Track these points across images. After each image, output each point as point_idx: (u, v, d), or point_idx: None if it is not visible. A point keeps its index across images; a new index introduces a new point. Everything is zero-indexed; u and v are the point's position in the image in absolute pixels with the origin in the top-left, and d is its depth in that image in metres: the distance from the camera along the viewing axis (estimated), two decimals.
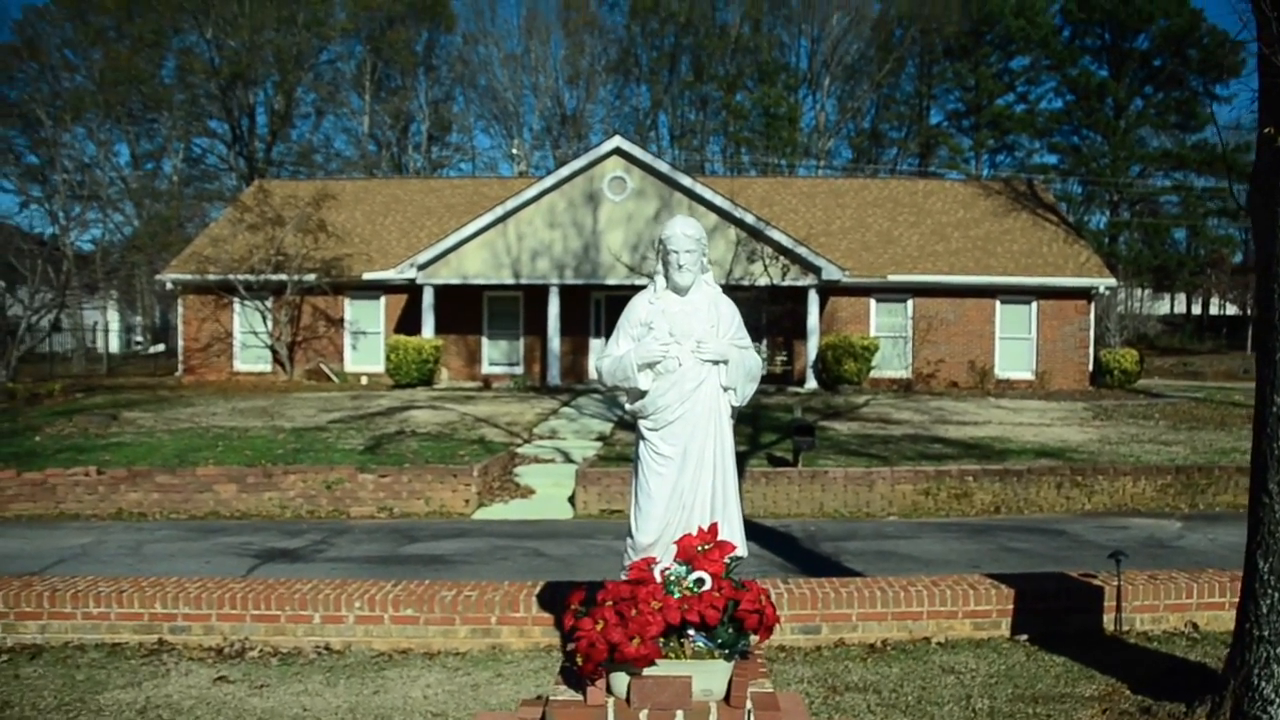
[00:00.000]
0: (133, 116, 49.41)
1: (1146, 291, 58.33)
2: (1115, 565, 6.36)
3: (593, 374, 26.65)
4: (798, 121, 57.73)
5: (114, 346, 50.65)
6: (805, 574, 9.58)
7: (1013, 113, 57.05)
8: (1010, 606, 6.24)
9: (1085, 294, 26.55)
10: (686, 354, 4.33)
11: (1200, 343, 53.43)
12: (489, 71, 59.35)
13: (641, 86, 61.00)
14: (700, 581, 3.73)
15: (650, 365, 4.34)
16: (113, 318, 52.43)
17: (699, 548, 3.87)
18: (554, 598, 6.08)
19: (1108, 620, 6.33)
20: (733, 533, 4.22)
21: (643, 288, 4.64)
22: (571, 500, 13.47)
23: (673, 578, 3.80)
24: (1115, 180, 52.13)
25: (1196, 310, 62.14)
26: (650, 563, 3.99)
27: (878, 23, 56.98)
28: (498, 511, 13.31)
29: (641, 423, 4.45)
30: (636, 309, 4.54)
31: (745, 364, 4.44)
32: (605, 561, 10.02)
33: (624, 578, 4.03)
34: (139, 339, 53.10)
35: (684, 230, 4.48)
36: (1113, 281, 27.23)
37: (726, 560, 3.87)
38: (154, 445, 15.86)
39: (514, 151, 51.76)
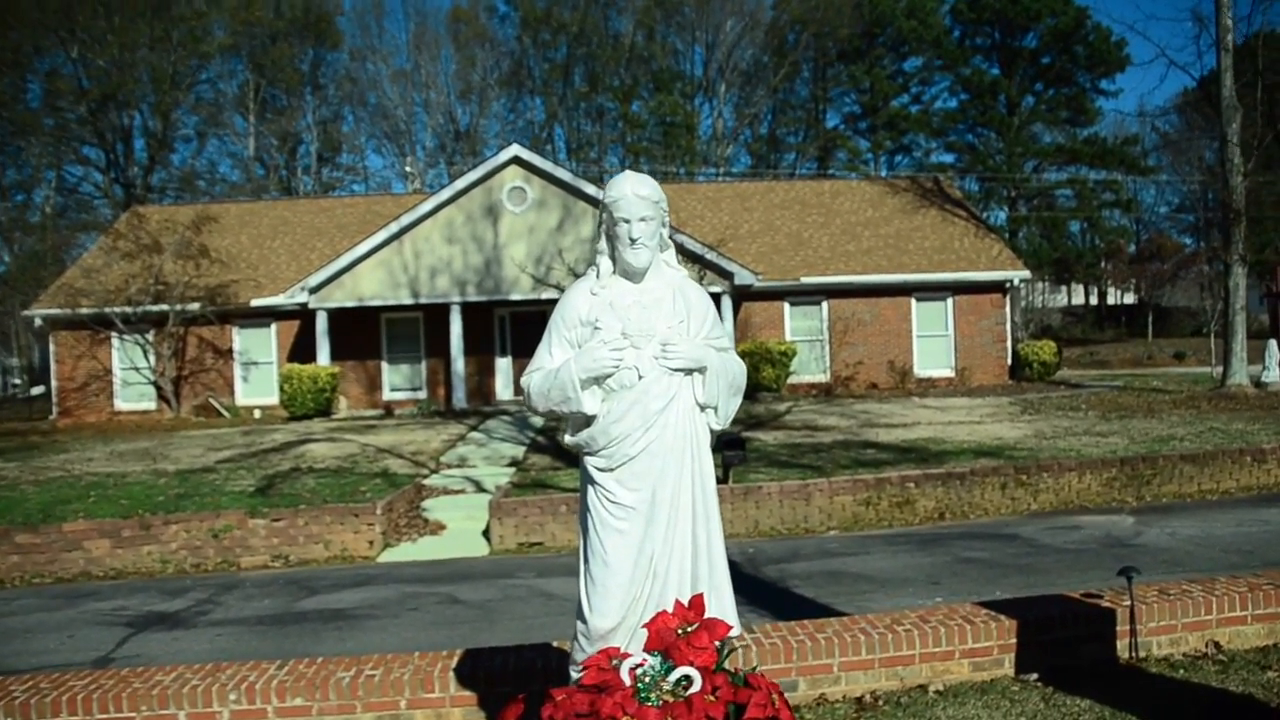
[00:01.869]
0: None
1: (1047, 284, 59.24)
2: (1126, 583, 5.50)
3: (502, 394, 25.43)
4: (695, 129, 57.30)
5: None
6: (751, 605, 8.62)
7: (908, 113, 57.55)
8: (1013, 640, 5.34)
9: (1000, 287, 26.30)
10: (648, 361, 3.33)
11: (1101, 332, 54.39)
12: (378, 89, 57.77)
13: (536, 99, 60.02)
14: (686, 681, 2.69)
15: (598, 380, 3.33)
16: None
17: (679, 631, 2.82)
18: (475, 670, 4.98)
19: (1122, 647, 5.47)
20: (723, 606, 3.21)
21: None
22: (486, 534, 12.31)
23: (647, 678, 2.73)
24: (1011, 176, 52.79)
25: (1094, 301, 63.34)
26: (613, 656, 2.93)
27: (771, 28, 56.87)
28: (406, 552, 12.09)
29: (589, 460, 3.38)
30: (574, 303, 3.49)
31: (728, 371, 3.45)
32: (529, 605, 8.92)
33: (576, 677, 2.97)
34: (16, 381, 50.06)
35: (635, 189, 3.43)
36: (1027, 274, 27.07)
37: (718, 645, 2.82)
38: (15, 499, 14.21)
39: (408, 169, 50.27)
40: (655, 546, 3.24)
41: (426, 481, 14.88)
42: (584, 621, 3.24)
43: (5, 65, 44.82)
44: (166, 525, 12.08)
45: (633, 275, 3.48)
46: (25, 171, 49.35)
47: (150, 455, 17.91)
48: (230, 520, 12.08)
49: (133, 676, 5.19)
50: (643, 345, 3.34)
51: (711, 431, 3.49)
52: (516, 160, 23.98)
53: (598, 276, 3.54)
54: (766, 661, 5.07)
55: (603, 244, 3.58)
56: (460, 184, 24.27)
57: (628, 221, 3.42)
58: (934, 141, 58.47)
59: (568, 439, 3.48)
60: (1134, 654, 5.45)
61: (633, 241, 3.42)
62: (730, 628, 3.00)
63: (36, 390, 46.35)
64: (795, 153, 60.84)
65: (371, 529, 12.10)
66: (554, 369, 3.40)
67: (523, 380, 3.51)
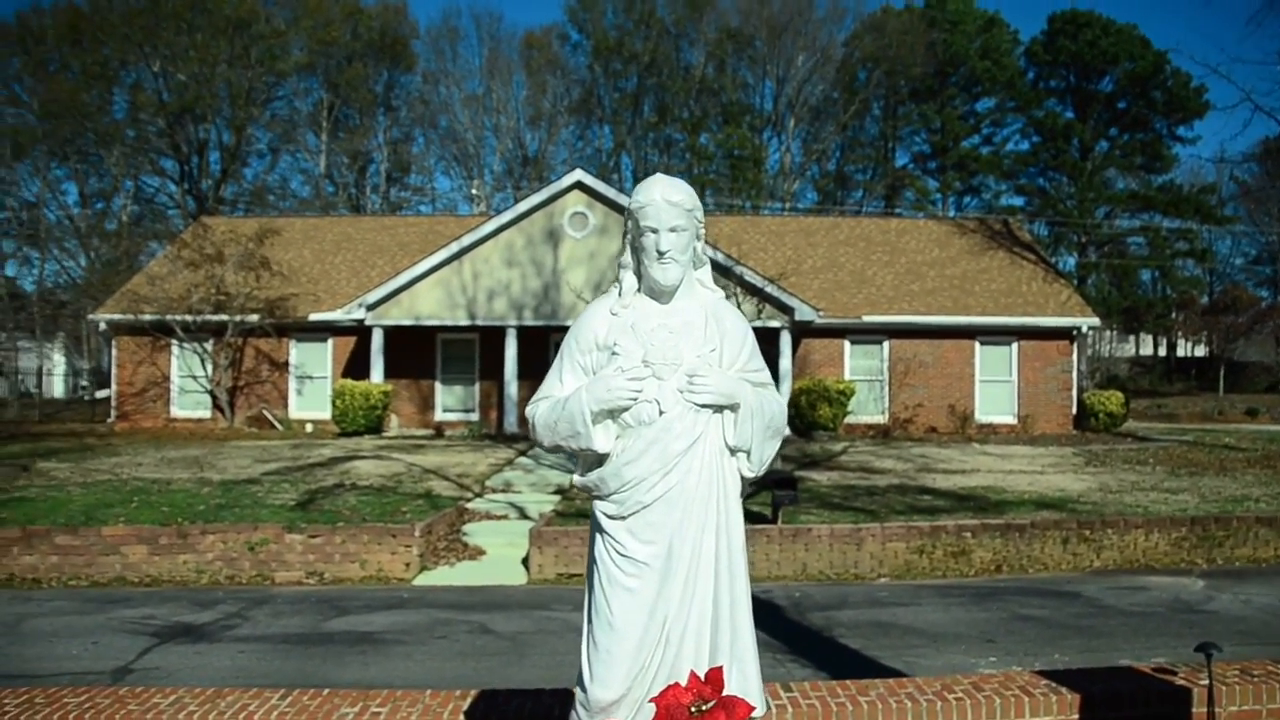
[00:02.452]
0: (81, 154, 47.68)
1: (1114, 333, 57.86)
2: (1205, 660, 5.02)
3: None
4: (763, 164, 57.02)
5: (58, 391, 48.66)
6: (793, 654, 8.20)
7: (979, 154, 56.76)
8: (1075, 716, 4.87)
9: (1067, 334, 25.53)
10: (671, 394, 2.94)
11: (1170, 384, 52.85)
12: (450, 112, 58.29)
13: (604, 128, 60.13)
14: None
15: (613, 413, 2.96)
16: (58, 361, 50.45)
17: (692, 708, 2.43)
18: (489, 714, 4.65)
19: None
20: (746, 682, 2.83)
21: None
22: (525, 563, 12.01)
23: None
24: (1083, 222, 51.71)
25: (1162, 352, 61.72)
26: None
27: (842, 64, 56.52)
28: (442, 576, 11.82)
29: (598, 505, 3.01)
30: (590, 324, 3.11)
31: (765, 410, 3.03)
32: (562, 640, 8.58)
33: None
34: (84, 384, 51.04)
35: (666, 195, 3.03)
36: (1096, 321, 26.26)
37: None
38: (61, 500, 14.21)
39: (474, 192, 50.65)
40: (670, 609, 2.85)
41: (469, 505, 14.63)
42: (584, 690, 2.87)
43: (93, 78, 46.03)
44: (204, 535, 11.95)
45: (660, 294, 3.09)
46: (106, 181, 50.58)
47: (198, 463, 17.90)
48: (267, 534, 11.92)
49: (130, 697, 4.93)
50: (666, 376, 2.96)
51: (743, 480, 3.09)
52: (579, 185, 23.84)
53: (620, 294, 3.14)
54: None
55: (627, 257, 3.17)
56: (522, 207, 24.18)
57: (655, 232, 3.02)
58: (1004, 184, 57.62)
59: (576, 480, 3.11)
60: None
61: (661, 255, 3.02)
62: (753, 709, 2.59)
63: (103, 393, 47.24)
64: (862, 190, 60.31)
65: (409, 550, 11.86)
66: (563, 398, 3.04)
67: (527, 410, 3.14)
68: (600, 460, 3.01)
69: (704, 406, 2.95)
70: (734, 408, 2.99)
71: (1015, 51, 55.88)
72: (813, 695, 4.95)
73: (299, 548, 11.85)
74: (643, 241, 3.07)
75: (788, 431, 23.17)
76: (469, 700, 4.84)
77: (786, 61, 56.29)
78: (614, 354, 3.01)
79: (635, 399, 2.93)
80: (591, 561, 3.03)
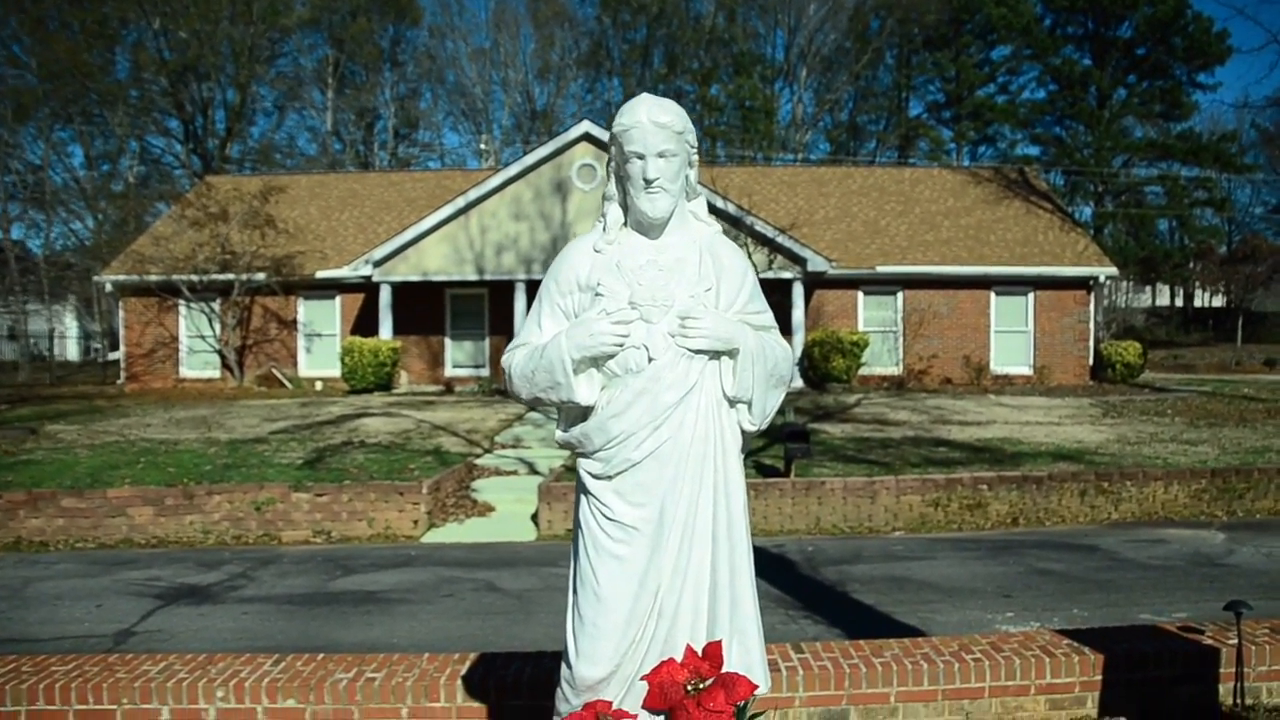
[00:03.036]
0: (85, 115, 47.29)
1: (1131, 283, 57.25)
2: (1235, 618, 4.81)
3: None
4: (774, 115, 56.25)
5: (71, 354, 48.77)
6: (806, 610, 8.03)
7: (994, 103, 55.77)
8: (1098, 677, 4.68)
9: (1085, 284, 25.16)
10: (661, 339, 2.69)
11: (1187, 335, 52.35)
12: (457, 66, 57.68)
13: (614, 80, 59.38)
14: None
15: (596, 361, 2.71)
16: (70, 324, 50.49)
17: (688, 687, 2.20)
18: (487, 678, 4.47)
19: (1225, 692, 4.78)
20: (748, 657, 2.62)
21: None
22: (534, 519, 11.86)
23: None
24: (1099, 171, 50.93)
25: (1179, 302, 61.07)
26: (600, 713, 2.37)
27: (855, 13, 55.47)
28: (450, 533, 11.68)
29: (583, 464, 2.77)
30: (571, 262, 2.86)
31: (767, 356, 2.79)
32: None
33: None
34: (97, 345, 51.12)
35: (653, 115, 2.74)
36: (1114, 270, 25.84)
37: (739, 709, 2.23)
38: (68, 463, 14.11)
39: (482, 147, 50.14)
40: (663, 578, 2.61)
41: (479, 461, 14.48)
42: (569, 667, 2.64)
43: (93, 37, 45.49)
44: (210, 495, 11.82)
45: (648, 229, 2.81)
46: (111, 142, 50.22)
47: (206, 423, 17.79)
48: (274, 493, 11.78)
49: (119, 665, 4.78)
50: (655, 318, 2.69)
51: (743, 433, 2.83)
52: (587, 137, 23.46)
53: (604, 230, 2.86)
54: (815, 687, 4.49)
55: (612, 188, 2.89)
56: (530, 160, 23.84)
57: (641, 158, 2.73)
58: (1020, 133, 56.66)
59: (559, 435, 2.86)
60: (1238, 700, 4.76)
61: (648, 184, 2.72)
62: (755, 686, 2.37)
63: (115, 355, 47.29)
64: (876, 141, 59.50)
65: (417, 508, 11.72)
66: (541, 345, 2.76)
67: (503, 360, 2.89)
68: (584, 414, 2.77)
69: (698, 353, 2.69)
70: (732, 354, 2.73)
71: None
72: (825, 656, 4.76)
73: (306, 507, 11.72)
74: (628, 169, 2.78)
75: (798, 381, 23.21)
76: (467, 664, 4.66)
77: (798, 10, 55.32)
78: (598, 295, 2.75)
79: (621, 344, 2.67)
80: (576, 526, 2.78)
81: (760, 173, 32.08)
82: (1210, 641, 4.90)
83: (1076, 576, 9.12)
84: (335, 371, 24.14)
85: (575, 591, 2.73)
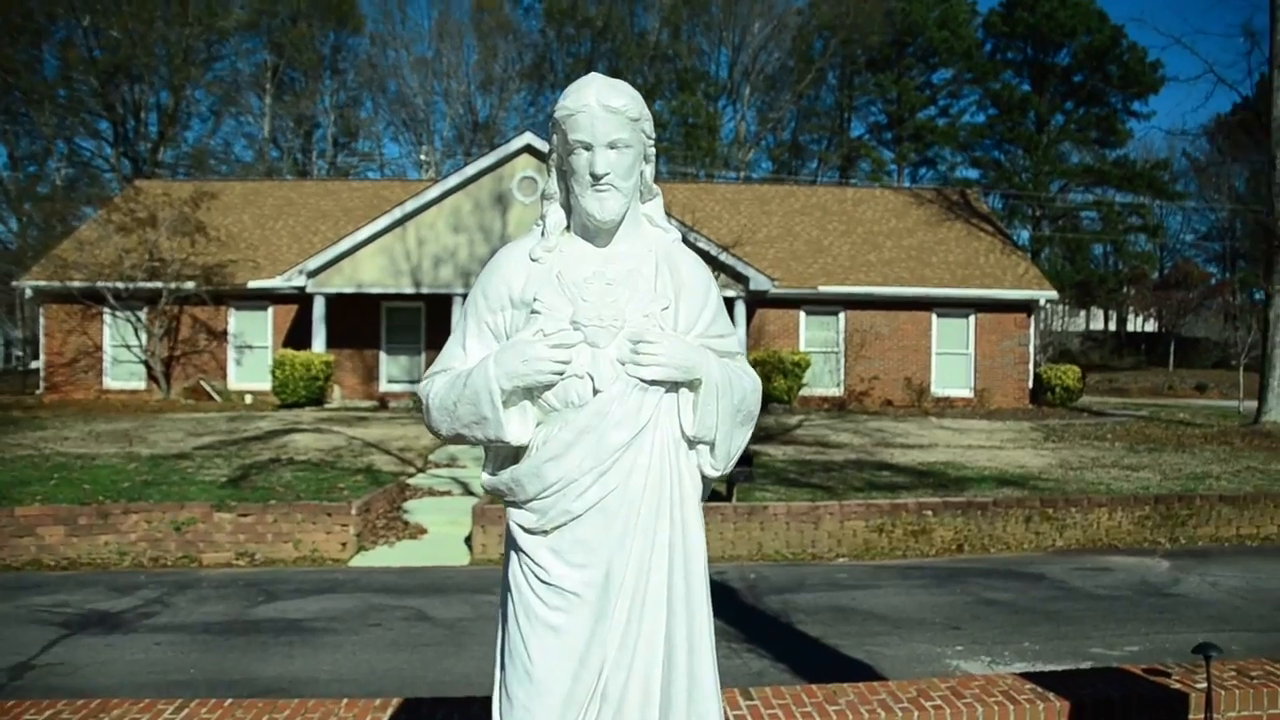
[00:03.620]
0: (9, 113, 45.84)
1: (1066, 307, 58.15)
2: (1204, 661, 4.56)
3: None
4: (717, 132, 56.39)
5: None
6: (749, 642, 7.72)
7: (935, 126, 56.55)
8: None
9: (1025, 307, 25.31)
10: (608, 367, 2.29)
11: (1121, 359, 53.24)
12: (399, 76, 56.92)
13: (557, 93, 58.87)
14: None
15: (531, 392, 2.30)
16: None
17: None
18: None
19: None
20: None
21: None
22: (468, 542, 11.42)
23: None
24: (1037, 195, 51.76)
25: (1113, 326, 62.17)
26: None
27: (799, 33, 55.87)
28: (380, 557, 11.19)
29: (514, 516, 2.36)
30: (503, 272, 2.46)
31: (733, 388, 2.40)
32: None
33: None
34: (18, 354, 49.43)
35: (603, 98, 2.34)
36: (1054, 294, 26.05)
37: None
38: None
39: (422, 158, 49.56)
40: (608, 654, 2.22)
41: (411, 480, 14.00)
42: None
43: (19, 33, 44.14)
44: (126, 515, 11.20)
45: (595, 234, 2.42)
46: (38, 143, 48.74)
47: (127, 437, 17.07)
48: (194, 513, 11.20)
49: (0, 711, 4.30)
50: (603, 342, 2.30)
51: (704, 479, 2.43)
52: (529, 149, 23.07)
53: (543, 234, 2.46)
54: None
55: (552, 184, 2.49)
56: (470, 171, 23.40)
57: (589, 148, 2.33)
58: (959, 156, 57.52)
59: (485, 479, 2.45)
60: None
61: (596, 180, 2.33)
62: None
63: (36, 364, 45.73)
64: (818, 160, 59.90)
65: (345, 530, 11.21)
66: (464, 371, 2.34)
67: (420, 387, 2.50)
68: (516, 455, 2.35)
69: (653, 383, 2.29)
70: (693, 385, 2.34)
71: (973, 23, 55.60)
72: (775, 704, 4.43)
73: (228, 527, 11.15)
74: (572, 162, 2.38)
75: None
76: (388, 712, 4.27)
77: (742, 28, 55.52)
78: (534, 313, 2.34)
79: (561, 372, 2.27)
80: (505, 589, 2.37)
81: (703, 189, 31.94)
82: (1178, 686, 4.66)
83: (1025, 607, 8.93)
84: (266, 385, 23.42)
85: (503, 666, 2.33)
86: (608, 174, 2.33)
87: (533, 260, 2.42)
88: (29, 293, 25.21)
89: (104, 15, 43.30)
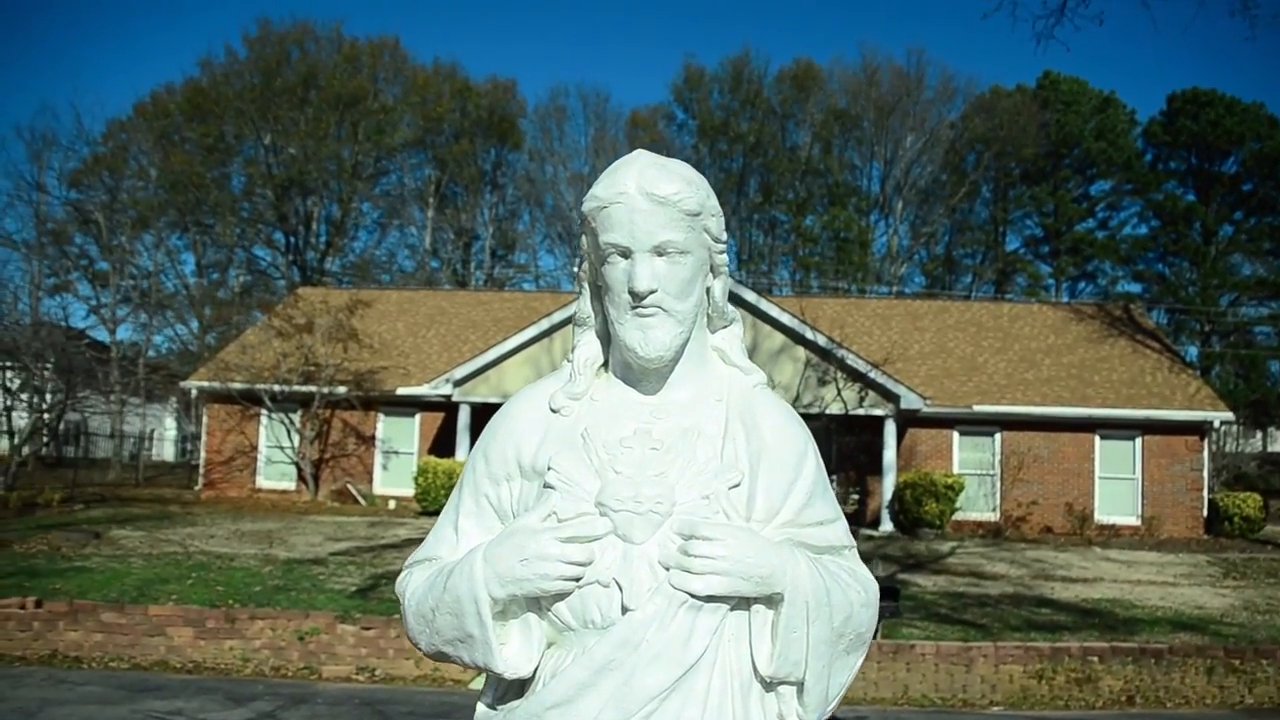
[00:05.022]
0: (200, 225, 49.10)
1: (1241, 428, 54.55)
2: None
3: None
4: (869, 246, 55.84)
5: (168, 454, 49.69)
6: None
7: (1094, 239, 54.60)
8: None
9: (1197, 429, 23.62)
10: (646, 573, 1.63)
11: None
12: (555, 190, 58.61)
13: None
14: None
15: (539, 600, 1.67)
16: (169, 425, 51.59)
17: None
18: None
19: None
20: None
21: None
22: None
23: None
24: (1206, 309, 49.11)
25: None
26: None
27: (951, 146, 55.24)
28: None
29: None
30: (510, 428, 1.84)
31: (833, 604, 1.70)
32: None
33: None
34: (190, 448, 52.04)
35: (647, 184, 1.73)
36: (1229, 415, 24.28)
37: None
38: (120, 572, 13.68)
39: (575, 270, 50.51)
40: None
41: None
42: None
43: (211, 151, 47.59)
44: (252, 620, 11.17)
45: (640, 375, 1.80)
46: (221, 251, 52.07)
47: (269, 538, 17.34)
48: (318, 622, 11.08)
49: None
50: (639, 535, 1.65)
51: None
52: None
53: (571, 376, 1.86)
54: None
55: (585, 305, 1.90)
56: None
57: (626, 255, 1.74)
58: (1121, 269, 55.21)
59: (480, 710, 1.81)
60: None
61: (637, 300, 1.72)
62: None
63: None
64: (972, 275, 58.52)
65: None
66: (448, 567, 1.75)
67: (398, 582, 1.92)
68: (520, 688, 1.73)
69: (710, 599, 1.63)
70: (772, 600, 1.66)
71: (1132, 132, 53.91)
72: None
73: (351, 640, 10.97)
74: (607, 274, 1.78)
75: (887, 525, 21.93)
76: None
77: (894, 142, 55.26)
78: (547, 486, 1.72)
79: (577, 578, 1.63)
80: None
81: (854, 304, 31.36)
82: None
83: None
84: (410, 491, 23.66)
85: None
86: (654, 291, 1.71)
87: (553, 411, 1.81)
88: (194, 392, 26.33)
89: (283, 134, 46.26)
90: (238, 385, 24.48)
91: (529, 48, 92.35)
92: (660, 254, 1.73)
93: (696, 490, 1.68)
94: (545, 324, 23.33)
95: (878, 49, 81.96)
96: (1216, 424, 24.19)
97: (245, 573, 13.98)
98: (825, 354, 21.92)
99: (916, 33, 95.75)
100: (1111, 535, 22.74)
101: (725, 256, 1.87)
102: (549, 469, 1.72)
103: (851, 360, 22.02)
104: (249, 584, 13.19)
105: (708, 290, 1.84)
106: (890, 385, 22.15)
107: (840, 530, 1.85)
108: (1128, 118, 54.45)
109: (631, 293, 1.72)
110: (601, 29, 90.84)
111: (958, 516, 22.45)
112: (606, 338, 1.86)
